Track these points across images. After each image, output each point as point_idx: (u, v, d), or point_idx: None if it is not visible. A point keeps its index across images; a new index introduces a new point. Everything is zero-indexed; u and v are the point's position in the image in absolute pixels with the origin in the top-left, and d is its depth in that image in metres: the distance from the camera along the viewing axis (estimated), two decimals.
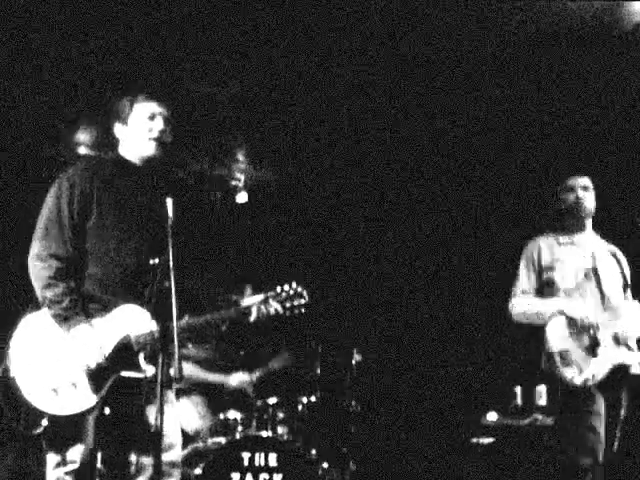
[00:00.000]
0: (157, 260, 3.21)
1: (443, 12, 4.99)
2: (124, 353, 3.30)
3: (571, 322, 4.20)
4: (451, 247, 7.04)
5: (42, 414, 3.27)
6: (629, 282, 4.48)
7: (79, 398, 3.25)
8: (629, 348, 4.20)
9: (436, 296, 7.20)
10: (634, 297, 4.43)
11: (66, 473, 3.25)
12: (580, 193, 4.47)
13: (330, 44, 5.26)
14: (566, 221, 4.52)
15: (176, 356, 2.92)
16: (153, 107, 3.51)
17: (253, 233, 7.05)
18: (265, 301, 3.48)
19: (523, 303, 4.38)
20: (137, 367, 3.31)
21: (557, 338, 4.20)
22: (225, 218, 6.82)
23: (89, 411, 3.27)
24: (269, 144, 6.29)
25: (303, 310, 3.52)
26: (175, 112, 3.57)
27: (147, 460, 3.32)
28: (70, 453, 3.26)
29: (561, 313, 4.24)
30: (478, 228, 6.86)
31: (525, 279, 4.45)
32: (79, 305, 3.32)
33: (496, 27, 5.12)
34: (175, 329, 2.97)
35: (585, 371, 4.08)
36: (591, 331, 4.16)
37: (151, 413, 3.29)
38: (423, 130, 6.19)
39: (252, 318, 3.49)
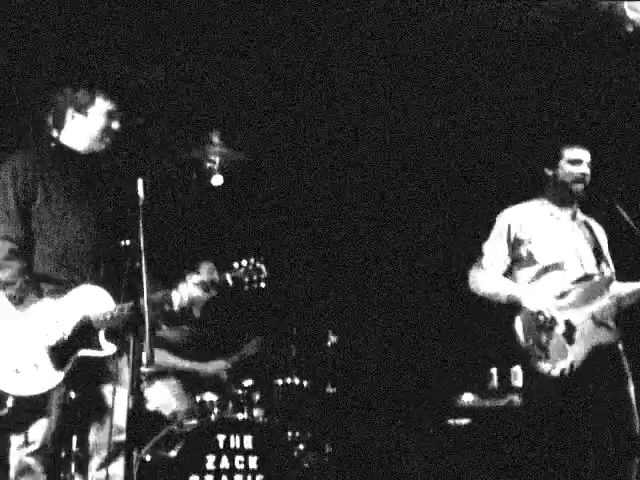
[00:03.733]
0: (127, 241, 3.19)
1: (443, 12, 5.09)
2: (84, 332, 3.36)
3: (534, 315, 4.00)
4: (451, 247, 7.00)
5: (6, 395, 3.39)
6: (607, 254, 4.30)
7: (42, 378, 3.31)
8: (608, 327, 4.04)
9: (414, 283, 7.15)
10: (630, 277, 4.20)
11: (28, 454, 3.35)
12: (585, 168, 4.22)
13: (330, 44, 5.40)
14: (559, 193, 4.29)
15: (147, 339, 2.90)
16: (112, 105, 3.64)
17: (228, 216, 6.91)
18: (220, 278, 3.49)
19: (485, 280, 4.22)
20: (97, 346, 3.38)
21: (526, 331, 4.03)
22: (200, 201, 6.68)
23: (53, 391, 3.35)
24: (244, 126, 6.15)
25: (262, 285, 3.49)
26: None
27: (102, 440, 3.41)
28: (32, 434, 3.36)
29: (516, 303, 4.06)
30: (478, 228, 6.94)
31: (495, 251, 4.28)
32: (32, 285, 3.37)
33: (496, 27, 5.21)
34: (147, 311, 2.95)
35: (563, 361, 3.93)
36: (546, 329, 3.97)
37: (108, 392, 3.42)
38: (423, 130, 6.29)
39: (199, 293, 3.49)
